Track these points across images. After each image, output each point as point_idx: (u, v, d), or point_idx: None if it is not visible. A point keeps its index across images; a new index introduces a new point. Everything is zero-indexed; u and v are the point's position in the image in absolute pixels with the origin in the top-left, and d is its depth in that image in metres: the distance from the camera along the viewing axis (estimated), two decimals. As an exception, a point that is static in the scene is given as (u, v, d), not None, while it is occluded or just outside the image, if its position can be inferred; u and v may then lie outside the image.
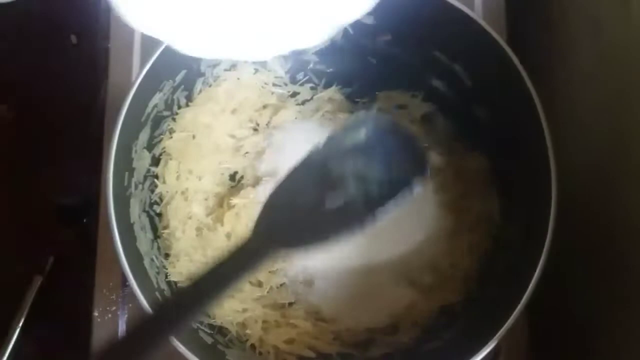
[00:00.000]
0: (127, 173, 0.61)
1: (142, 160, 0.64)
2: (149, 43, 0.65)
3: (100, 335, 0.67)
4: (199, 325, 0.63)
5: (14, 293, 0.75)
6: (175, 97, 0.67)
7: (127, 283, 0.61)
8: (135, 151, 0.63)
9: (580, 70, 0.69)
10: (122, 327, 0.68)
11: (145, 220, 0.65)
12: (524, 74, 0.61)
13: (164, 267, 0.65)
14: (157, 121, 0.66)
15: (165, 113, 0.67)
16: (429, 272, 0.68)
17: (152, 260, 0.63)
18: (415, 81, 0.72)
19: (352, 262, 0.68)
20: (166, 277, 0.65)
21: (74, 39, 0.83)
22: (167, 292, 0.63)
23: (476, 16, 0.63)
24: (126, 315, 0.68)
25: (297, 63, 0.74)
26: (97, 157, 0.69)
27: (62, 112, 0.79)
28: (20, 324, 0.73)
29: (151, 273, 0.62)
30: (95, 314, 0.68)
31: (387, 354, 0.65)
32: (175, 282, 0.65)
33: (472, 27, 0.63)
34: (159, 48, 0.59)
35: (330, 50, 0.72)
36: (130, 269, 0.56)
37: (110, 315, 0.68)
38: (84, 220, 0.74)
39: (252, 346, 0.65)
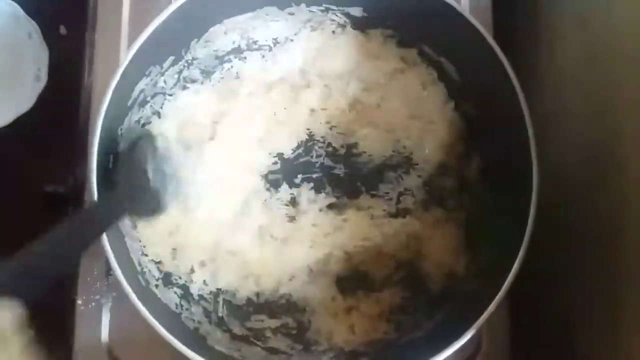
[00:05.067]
0: (112, 156, 0.61)
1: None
2: (136, 30, 0.65)
3: (84, 323, 0.67)
4: (181, 310, 0.64)
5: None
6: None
7: (111, 272, 0.62)
8: (121, 135, 0.63)
9: (565, 65, 0.69)
10: (105, 316, 0.67)
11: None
12: (509, 69, 0.61)
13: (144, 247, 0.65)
14: (144, 106, 0.66)
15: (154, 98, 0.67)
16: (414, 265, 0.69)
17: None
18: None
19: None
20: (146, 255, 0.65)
21: (62, 29, 0.83)
22: (148, 274, 0.64)
23: (463, 10, 0.63)
24: (110, 304, 0.68)
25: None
26: (84, 143, 0.69)
27: (51, 101, 0.79)
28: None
29: (133, 256, 0.62)
30: (79, 302, 0.67)
31: (369, 342, 0.66)
32: (156, 261, 0.66)
33: (458, 21, 0.63)
34: (145, 33, 0.59)
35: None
36: (111, 248, 0.56)
37: (94, 304, 0.67)
38: (71, 208, 0.74)
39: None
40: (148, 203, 0.62)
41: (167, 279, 0.65)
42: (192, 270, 0.66)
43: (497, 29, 0.73)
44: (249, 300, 0.68)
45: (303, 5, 0.69)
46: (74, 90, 0.76)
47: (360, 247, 0.68)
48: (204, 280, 0.67)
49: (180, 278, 0.66)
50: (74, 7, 0.78)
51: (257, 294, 0.68)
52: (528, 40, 0.76)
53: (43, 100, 0.80)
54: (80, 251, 0.57)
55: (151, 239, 0.65)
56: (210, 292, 0.67)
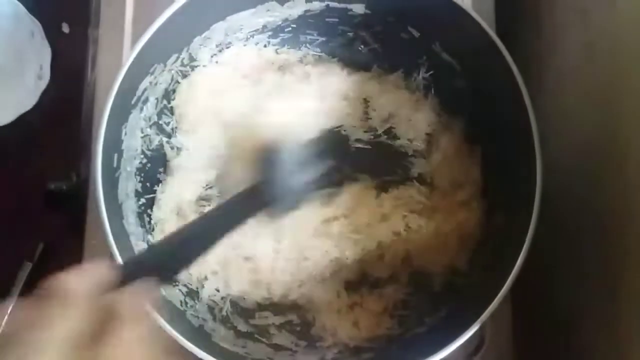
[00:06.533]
0: (116, 155, 0.61)
1: (132, 142, 0.64)
2: (140, 28, 0.65)
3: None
4: (186, 307, 0.64)
5: (4, 279, 0.75)
6: (166, 80, 0.67)
7: (114, 267, 0.61)
8: (125, 133, 0.63)
9: (568, 60, 0.69)
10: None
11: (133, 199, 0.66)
12: (512, 64, 0.61)
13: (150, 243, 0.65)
14: (147, 103, 0.66)
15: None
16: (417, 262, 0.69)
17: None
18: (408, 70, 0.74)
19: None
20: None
21: (65, 27, 0.83)
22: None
23: (466, 6, 0.63)
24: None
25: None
26: (87, 141, 0.70)
27: (54, 99, 0.80)
28: (10, 310, 0.72)
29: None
30: (83, 296, 0.67)
31: (373, 338, 0.66)
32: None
33: (461, 16, 0.63)
34: (150, 32, 0.59)
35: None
36: (116, 245, 0.56)
37: (97, 297, 0.67)
38: (73, 206, 0.74)
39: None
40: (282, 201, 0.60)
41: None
42: (206, 279, 0.67)
43: (499, 24, 0.72)
44: (256, 302, 0.68)
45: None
46: (77, 89, 0.76)
47: (366, 252, 0.68)
48: (217, 288, 0.67)
49: (191, 284, 0.66)
50: (77, 5, 0.78)
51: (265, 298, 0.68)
52: (530, 35, 0.76)
53: (45, 98, 0.80)
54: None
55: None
56: (222, 297, 0.67)
